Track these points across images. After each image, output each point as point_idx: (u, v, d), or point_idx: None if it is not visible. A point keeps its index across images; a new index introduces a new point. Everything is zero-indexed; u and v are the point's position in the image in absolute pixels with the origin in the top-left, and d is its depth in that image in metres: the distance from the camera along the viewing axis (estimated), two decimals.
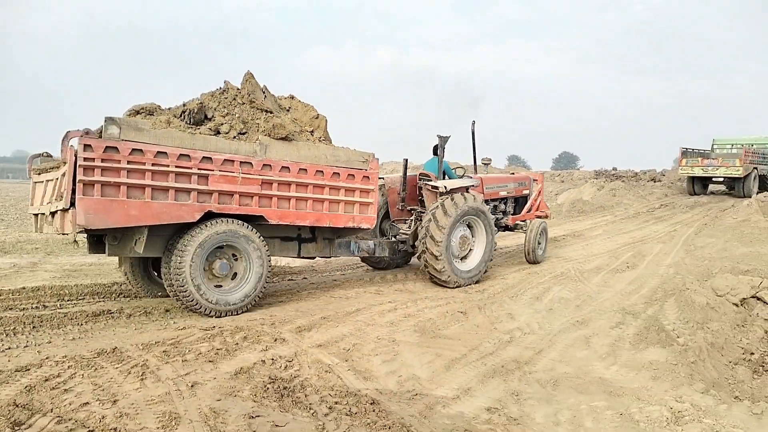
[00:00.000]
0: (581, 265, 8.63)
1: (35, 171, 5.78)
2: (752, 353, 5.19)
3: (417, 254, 7.33)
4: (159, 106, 5.80)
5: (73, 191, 4.68)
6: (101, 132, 4.85)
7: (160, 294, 6.33)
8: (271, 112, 6.16)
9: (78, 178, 4.64)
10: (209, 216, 5.39)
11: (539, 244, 9.04)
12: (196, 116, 5.64)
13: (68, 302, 5.95)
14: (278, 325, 5.21)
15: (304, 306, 6.04)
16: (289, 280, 7.54)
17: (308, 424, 3.28)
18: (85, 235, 5.41)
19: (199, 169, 5.26)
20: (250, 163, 5.56)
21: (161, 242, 5.45)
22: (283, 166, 5.80)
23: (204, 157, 5.29)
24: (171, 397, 3.57)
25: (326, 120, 6.73)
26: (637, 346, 4.89)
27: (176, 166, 5.13)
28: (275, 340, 4.77)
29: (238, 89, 6.19)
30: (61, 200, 4.86)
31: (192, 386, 3.74)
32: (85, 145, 4.67)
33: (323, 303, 6.19)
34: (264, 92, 6.29)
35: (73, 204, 4.68)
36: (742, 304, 6.24)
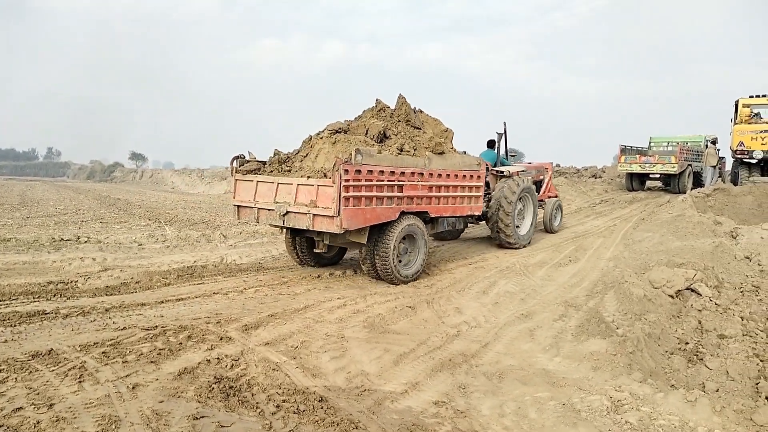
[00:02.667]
0: (526, 259, 8.83)
1: (241, 171, 7.28)
2: (687, 343, 5.42)
3: (489, 224, 9.70)
4: (348, 125, 7.54)
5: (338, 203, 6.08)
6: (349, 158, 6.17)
7: (316, 265, 8.09)
8: (419, 128, 8.06)
9: (342, 194, 6.04)
10: (402, 214, 7.00)
11: (555, 217, 11.68)
12: (380, 136, 7.33)
13: (0, 303, 5.66)
14: (224, 324, 5.12)
15: (250, 304, 5.94)
16: (234, 277, 7.38)
17: (255, 423, 3.24)
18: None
19: (398, 180, 6.85)
20: (422, 174, 7.24)
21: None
22: (438, 174, 7.53)
23: (401, 172, 6.87)
24: (111, 399, 3.46)
25: (453, 132, 8.52)
26: (578, 338, 5.04)
27: (387, 180, 6.67)
28: (221, 339, 4.68)
29: (390, 108, 8.05)
30: (315, 207, 6.28)
31: (133, 388, 3.63)
32: (345, 170, 6.04)
33: (271, 300, 6.11)
34: (415, 112, 8.21)
35: (338, 212, 6.09)
36: (677, 296, 6.51)
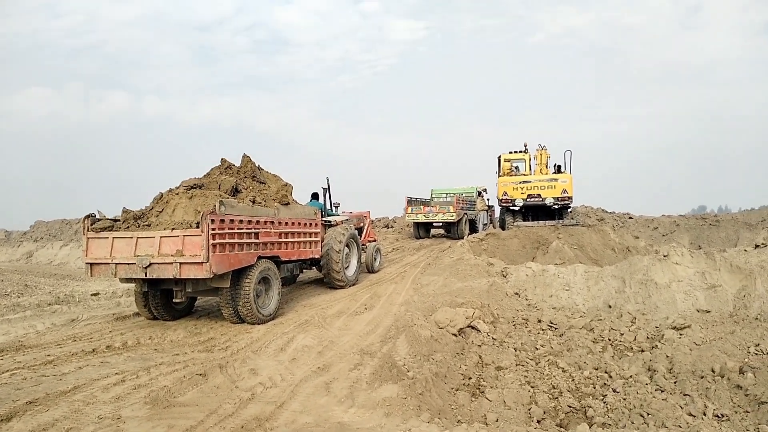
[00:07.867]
0: (324, 311, 8.82)
1: (94, 229, 7.35)
2: (470, 378, 5.82)
3: (321, 268, 10.58)
4: (203, 182, 8.22)
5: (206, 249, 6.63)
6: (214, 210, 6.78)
7: (168, 319, 8.29)
8: (264, 183, 9.12)
9: (210, 242, 6.62)
10: (258, 259, 7.76)
11: (375, 259, 13.11)
12: (233, 190, 8.15)
13: None
14: None
15: (3, 391, 4.99)
16: None
17: None
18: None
19: (255, 228, 7.66)
20: (273, 222, 8.19)
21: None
22: (285, 222, 8.62)
23: (257, 221, 7.72)
24: None
25: (292, 186, 9.54)
26: (372, 385, 5.08)
27: (246, 228, 7.42)
28: None
29: (236, 166, 9.00)
30: (182, 255, 6.69)
31: None
32: (212, 220, 6.67)
33: (31, 384, 5.20)
34: (259, 169, 9.34)
35: (207, 258, 6.61)
36: (460, 334, 6.99)
